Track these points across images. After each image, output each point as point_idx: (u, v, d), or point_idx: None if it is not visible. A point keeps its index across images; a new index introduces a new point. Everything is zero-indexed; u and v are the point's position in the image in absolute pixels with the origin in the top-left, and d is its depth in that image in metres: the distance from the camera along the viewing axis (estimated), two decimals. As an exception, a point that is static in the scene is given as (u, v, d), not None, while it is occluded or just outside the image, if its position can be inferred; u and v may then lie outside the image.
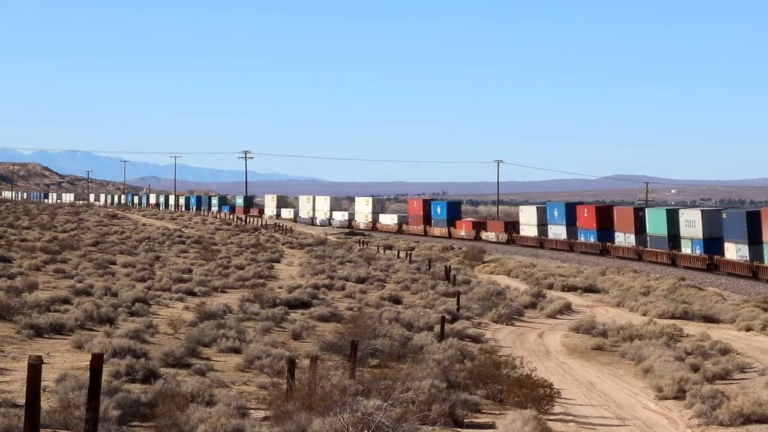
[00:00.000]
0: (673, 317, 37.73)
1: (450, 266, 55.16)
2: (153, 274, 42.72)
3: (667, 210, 73.99)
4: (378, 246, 78.21)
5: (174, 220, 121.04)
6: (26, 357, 14.10)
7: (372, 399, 15.41)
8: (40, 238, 63.16)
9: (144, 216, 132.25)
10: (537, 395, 19.13)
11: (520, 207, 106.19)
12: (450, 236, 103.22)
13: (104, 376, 14.31)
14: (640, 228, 74.68)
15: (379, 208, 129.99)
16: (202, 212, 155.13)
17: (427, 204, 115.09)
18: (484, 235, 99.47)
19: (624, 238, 77.13)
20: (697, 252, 65.59)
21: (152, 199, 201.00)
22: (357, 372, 18.83)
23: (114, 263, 48.20)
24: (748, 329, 34.27)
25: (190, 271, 46.27)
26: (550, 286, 50.49)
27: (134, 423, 15.51)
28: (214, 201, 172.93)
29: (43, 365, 11.65)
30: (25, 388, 11.70)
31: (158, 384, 17.39)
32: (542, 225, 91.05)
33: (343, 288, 42.59)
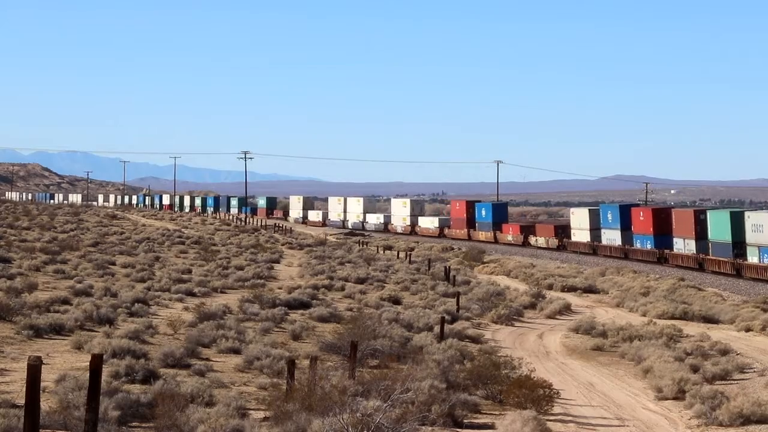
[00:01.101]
0: (672, 318, 37.73)
1: (449, 267, 55.14)
2: (152, 275, 42.71)
3: (730, 213, 65.29)
4: (377, 247, 78.21)
5: (173, 220, 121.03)
6: (26, 357, 14.11)
7: (371, 399, 15.40)
8: (39, 239, 63.17)
9: (144, 216, 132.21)
10: (536, 396, 19.13)
11: (571, 210, 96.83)
12: (496, 241, 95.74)
13: (104, 377, 14.31)
14: (700, 233, 66.28)
15: (417, 210, 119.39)
16: (218, 214, 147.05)
17: (470, 206, 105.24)
18: (532, 240, 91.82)
19: (683, 245, 68.73)
20: (766, 261, 57.33)
21: (166, 200, 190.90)
22: (356, 372, 18.84)
23: (113, 264, 48.21)
24: (748, 330, 34.27)
25: (189, 271, 46.28)
26: (550, 287, 50.48)
27: (134, 423, 15.51)
28: (234, 202, 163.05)
29: (42, 366, 11.66)
30: (24, 389, 11.70)
31: (158, 384, 17.39)
32: (595, 229, 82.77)
33: (342, 288, 42.59)
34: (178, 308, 32.15)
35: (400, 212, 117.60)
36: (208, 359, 22.37)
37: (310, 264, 55.63)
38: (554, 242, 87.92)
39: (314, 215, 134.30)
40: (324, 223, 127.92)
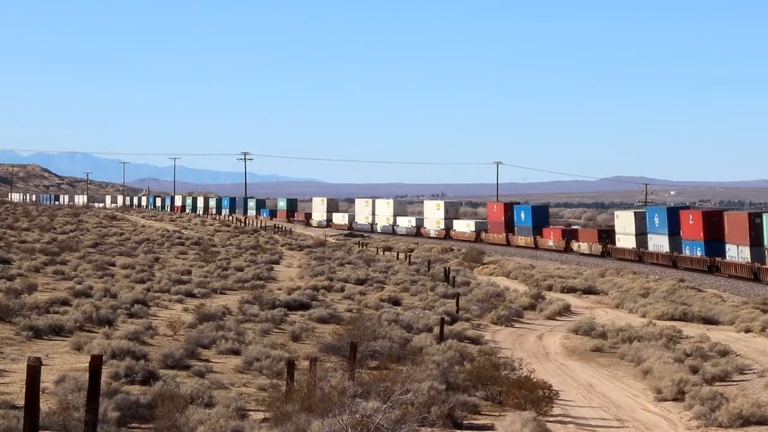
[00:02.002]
0: (672, 319, 37.74)
1: (449, 268, 55.14)
2: (152, 276, 42.70)
3: None
4: (377, 248, 78.22)
5: (173, 221, 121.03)
6: (25, 358, 14.11)
7: (371, 400, 15.40)
8: (39, 240, 63.18)
9: (143, 217, 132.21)
10: (536, 397, 19.13)
11: (616, 213, 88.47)
12: (536, 246, 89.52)
13: (103, 378, 14.31)
14: (755, 239, 58.48)
15: (452, 212, 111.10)
16: (234, 216, 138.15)
17: (508, 208, 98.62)
18: (575, 245, 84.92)
19: (737, 252, 61.09)
20: None
21: (177, 202, 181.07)
22: (356, 373, 18.83)
23: (113, 265, 48.21)
24: (748, 331, 34.28)
25: (189, 272, 46.27)
26: (550, 288, 50.49)
27: (133, 424, 15.51)
28: (251, 204, 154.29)
29: (42, 367, 11.66)
30: (24, 390, 11.71)
31: (157, 385, 17.39)
32: (641, 234, 75.53)
33: (342, 289, 42.57)
34: (177, 309, 32.15)
35: (433, 215, 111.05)
36: (207, 360, 22.37)
37: (310, 265, 55.63)
38: (598, 248, 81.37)
39: (339, 218, 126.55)
40: (350, 226, 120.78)
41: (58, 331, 24.91)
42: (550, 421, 18.20)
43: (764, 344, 31.25)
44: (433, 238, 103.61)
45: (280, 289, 40.37)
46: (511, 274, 60.26)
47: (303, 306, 34.61)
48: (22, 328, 24.45)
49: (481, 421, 18.21)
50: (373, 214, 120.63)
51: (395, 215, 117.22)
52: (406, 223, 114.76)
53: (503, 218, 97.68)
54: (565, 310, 40.09)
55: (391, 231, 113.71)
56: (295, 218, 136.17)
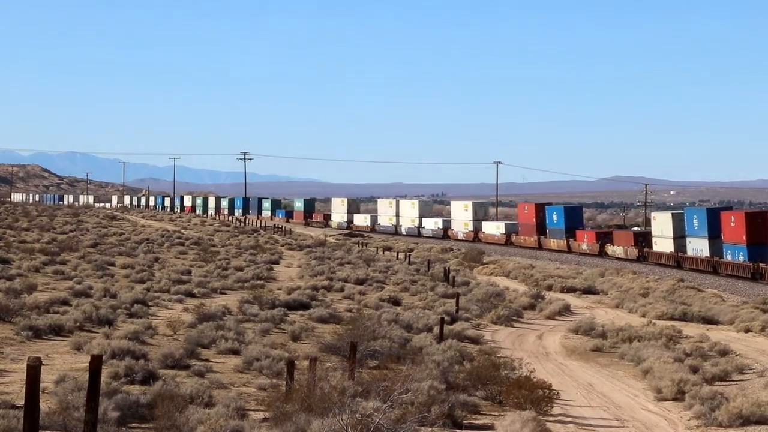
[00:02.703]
0: (672, 319, 37.76)
1: (449, 267, 55.16)
2: (152, 276, 42.72)
3: None
4: (377, 247, 78.25)
5: (173, 221, 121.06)
6: (25, 358, 14.11)
7: (371, 400, 15.40)
8: (39, 240, 63.19)
9: (143, 217, 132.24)
10: (536, 396, 19.14)
11: (653, 214, 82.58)
12: (569, 250, 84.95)
13: (103, 378, 14.31)
14: None
15: (481, 213, 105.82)
16: (248, 216, 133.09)
17: (540, 210, 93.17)
18: (609, 249, 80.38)
19: None
20: None
21: (187, 202, 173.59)
22: (356, 373, 18.83)
23: (113, 265, 48.23)
24: (747, 330, 34.31)
25: (189, 272, 46.29)
26: (549, 288, 50.51)
27: (133, 424, 15.51)
28: (266, 204, 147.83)
29: (42, 367, 11.66)
30: (24, 390, 11.71)
31: (157, 385, 17.39)
32: (679, 237, 70.40)
33: (342, 289, 42.58)
34: (177, 309, 32.15)
35: (461, 216, 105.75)
36: (207, 360, 22.37)
37: (310, 265, 55.64)
38: (633, 252, 76.52)
39: (361, 220, 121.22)
40: (373, 228, 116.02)
41: (58, 331, 24.91)
42: (550, 421, 18.21)
43: (764, 344, 31.28)
44: (461, 240, 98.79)
45: (279, 289, 40.38)
46: (511, 274, 60.27)
47: (303, 306, 34.61)
48: (22, 328, 24.45)
49: (481, 420, 18.21)
50: (397, 215, 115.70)
51: (420, 216, 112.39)
52: (432, 224, 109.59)
53: (534, 220, 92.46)
54: (565, 310, 40.11)
55: (417, 233, 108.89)
56: (313, 219, 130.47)
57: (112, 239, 71.37)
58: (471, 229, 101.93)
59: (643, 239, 78.06)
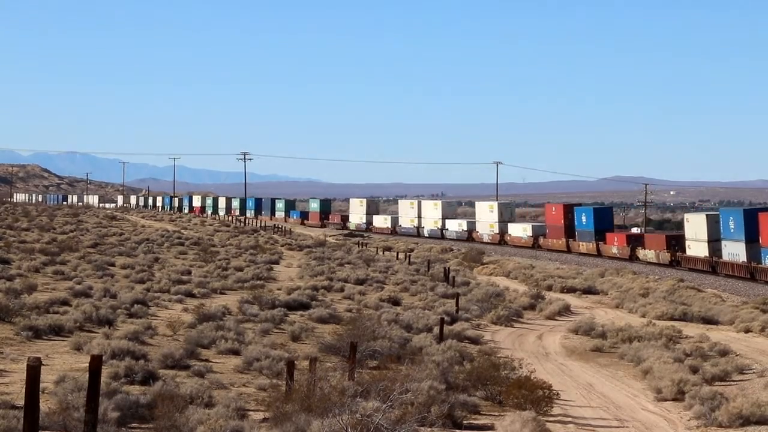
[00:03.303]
0: (672, 319, 37.77)
1: (449, 268, 55.17)
2: (152, 276, 42.71)
3: None
4: (377, 248, 78.26)
5: (173, 221, 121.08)
6: (25, 359, 14.11)
7: (371, 400, 15.41)
8: (39, 240, 63.19)
9: (143, 217, 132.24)
10: (536, 397, 19.13)
11: (686, 216, 78.31)
12: (599, 254, 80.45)
13: (103, 378, 14.30)
14: None
15: (507, 215, 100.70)
16: (261, 218, 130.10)
17: (568, 210, 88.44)
18: (641, 253, 75.83)
19: None
20: None
21: (196, 202, 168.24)
22: (356, 373, 18.83)
23: (113, 265, 48.23)
24: (747, 331, 34.32)
25: (189, 272, 46.29)
26: (549, 288, 50.52)
27: (133, 424, 15.51)
28: (280, 204, 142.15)
29: (42, 367, 11.65)
30: (24, 390, 11.70)
31: (157, 385, 17.39)
32: (714, 241, 65.48)
33: (342, 289, 42.58)
34: (177, 309, 32.15)
35: (486, 217, 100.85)
36: (207, 360, 22.37)
37: (310, 265, 55.64)
38: (665, 257, 72.06)
39: (381, 221, 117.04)
40: (394, 230, 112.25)
41: (57, 331, 24.91)
42: (550, 421, 18.21)
43: (764, 344, 31.28)
44: (487, 243, 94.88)
45: (279, 289, 40.37)
46: (511, 274, 60.27)
47: (303, 306, 34.61)
48: (21, 328, 24.45)
49: (481, 421, 18.21)
50: (419, 216, 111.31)
51: (443, 218, 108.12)
52: (456, 226, 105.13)
53: (563, 222, 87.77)
54: (565, 310, 40.11)
55: (440, 235, 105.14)
56: (330, 220, 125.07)
57: (112, 239, 71.38)
58: (497, 231, 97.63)
59: (676, 242, 72.34)
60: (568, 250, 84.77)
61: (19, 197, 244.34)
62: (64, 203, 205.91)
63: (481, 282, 51.83)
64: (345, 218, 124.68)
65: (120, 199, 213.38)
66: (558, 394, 20.31)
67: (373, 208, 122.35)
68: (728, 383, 23.39)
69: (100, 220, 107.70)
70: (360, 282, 46.06)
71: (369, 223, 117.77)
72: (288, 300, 35.27)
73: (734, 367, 25.13)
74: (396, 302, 38.36)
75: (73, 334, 24.26)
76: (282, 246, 76.37)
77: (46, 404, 15.17)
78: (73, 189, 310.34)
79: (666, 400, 21.29)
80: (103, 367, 13.23)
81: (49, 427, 14.04)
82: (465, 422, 17.71)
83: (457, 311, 35.18)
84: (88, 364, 12.93)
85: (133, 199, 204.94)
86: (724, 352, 27.69)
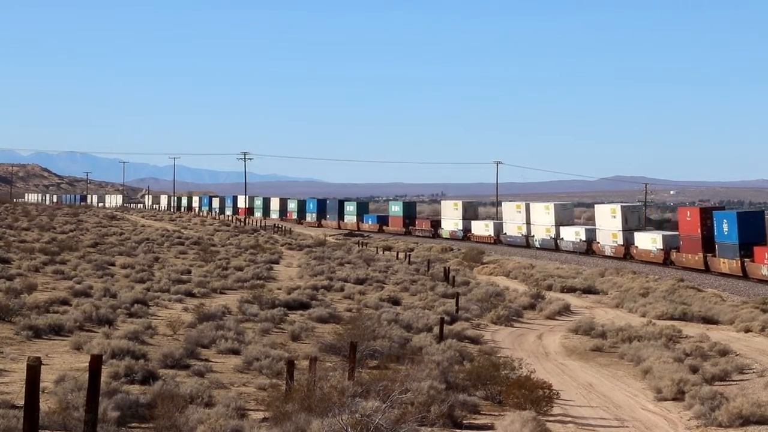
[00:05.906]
0: (672, 318, 37.74)
1: (449, 267, 55.14)
2: (152, 276, 42.71)
3: None
4: (377, 247, 78.23)
5: (173, 221, 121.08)
6: (25, 358, 14.11)
7: (371, 400, 15.40)
8: (39, 239, 63.17)
9: (143, 217, 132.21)
10: (536, 396, 19.13)
11: None
12: (744, 275, 58.24)
13: (103, 378, 14.31)
14: None
15: (633, 221, 78.03)
16: (325, 222, 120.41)
17: (706, 216, 64.98)
18: None
19: None
20: None
21: (240, 203, 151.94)
22: (356, 373, 18.82)
23: (113, 264, 48.23)
24: (747, 330, 34.29)
25: (189, 272, 46.29)
26: (549, 288, 50.49)
27: (133, 424, 15.51)
28: (350, 208, 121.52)
29: (42, 366, 11.65)
30: (24, 390, 11.70)
31: (157, 385, 17.39)
32: None
33: (342, 289, 42.58)
34: (177, 309, 32.15)
35: (607, 225, 78.79)
36: (207, 360, 22.37)
37: (310, 265, 55.63)
38: None
39: (480, 228, 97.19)
40: (497, 239, 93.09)
41: (57, 330, 24.91)
42: (550, 421, 18.21)
43: (764, 344, 31.26)
44: (609, 257, 76.14)
45: (279, 289, 40.37)
46: (511, 274, 60.22)
47: (303, 305, 34.61)
48: (21, 327, 24.45)
49: (481, 420, 18.20)
50: (528, 222, 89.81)
51: (557, 225, 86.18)
52: (572, 235, 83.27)
53: (699, 231, 64.91)
54: (565, 310, 40.09)
55: (554, 246, 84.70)
56: (417, 227, 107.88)
57: (112, 239, 71.37)
58: (621, 242, 76.32)
59: None
60: (706, 269, 63.67)
61: (31, 198, 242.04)
62: (82, 203, 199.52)
63: (481, 282, 51.82)
64: (436, 224, 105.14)
65: (148, 200, 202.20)
66: (558, 393, 20.31)
67: (470, 213, 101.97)
68: (728, 383, 23.38)
69: (99, 219, 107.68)
70: (360, 281, 46.05)
71: (466, 230, 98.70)
72: (288, 300, 35.26)
73: (734, 366, 25.12)
74: (396, 302, 38.35)
75: (73, 334, 24.25)
76: (282, 246, 76.37)
77: (46, 404, 15.16)
78: (73, 188, 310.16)
79: (666, 399, 21.29)
80: (103, 366, 13.23)
81: (49, 427, 14.04)
82: (465, 422, 17.71)
83: (457, 311, 35.18)
84: (88, 364, 12.93)
85: (163, 200, 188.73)
86: (724, 352, 27.68)
